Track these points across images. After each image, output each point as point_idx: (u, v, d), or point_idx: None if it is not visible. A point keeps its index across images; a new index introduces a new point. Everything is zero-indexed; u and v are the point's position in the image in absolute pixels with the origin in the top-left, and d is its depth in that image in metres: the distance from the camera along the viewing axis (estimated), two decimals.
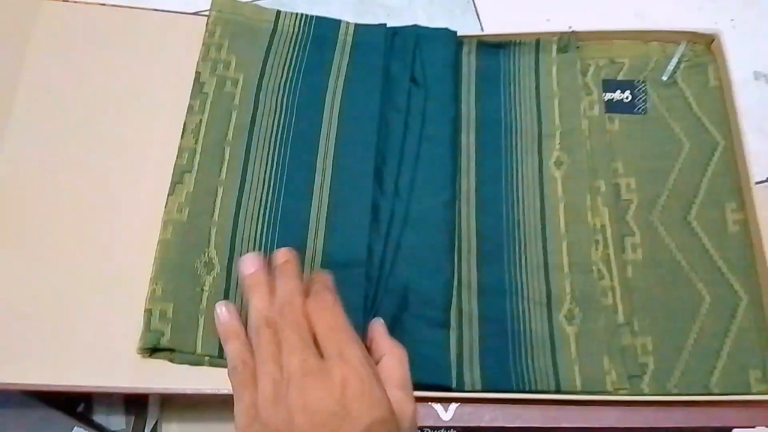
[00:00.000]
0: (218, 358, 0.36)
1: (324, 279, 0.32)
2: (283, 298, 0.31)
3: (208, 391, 0.36)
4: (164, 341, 0.36)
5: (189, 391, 0.35)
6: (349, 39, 0.44)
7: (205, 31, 0.44)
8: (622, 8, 0.60)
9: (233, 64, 0.43)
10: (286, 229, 0.39)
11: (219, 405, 0.48)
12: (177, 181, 0.39)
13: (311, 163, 0.40)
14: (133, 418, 0.44)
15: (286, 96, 0.42)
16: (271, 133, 0.41)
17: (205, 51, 0.43)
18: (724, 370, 0.37)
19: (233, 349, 0.31)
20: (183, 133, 0.41)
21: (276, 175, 0.40)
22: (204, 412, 0.48)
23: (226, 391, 0.35)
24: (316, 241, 0.39)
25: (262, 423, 0.28)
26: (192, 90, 0.42)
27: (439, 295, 0.38)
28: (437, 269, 0.38)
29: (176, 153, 0.40)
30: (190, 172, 0.40)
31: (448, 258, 0.39)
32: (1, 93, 0.41)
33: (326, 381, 0.28)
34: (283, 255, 0.33)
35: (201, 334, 0.36)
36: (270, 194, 0.39)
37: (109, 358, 0.36)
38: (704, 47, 0.45)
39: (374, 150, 0.40)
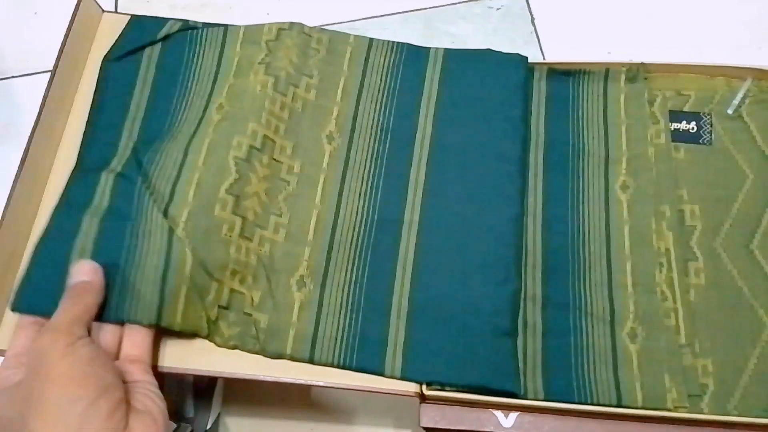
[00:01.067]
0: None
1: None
2: None
3: (286, 380, 0.38)
4: (256, 346, 0.38)
5: (271, 379, 0.37)
6: (438, 67, 0.47)
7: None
8: (682, 45, 0.62)
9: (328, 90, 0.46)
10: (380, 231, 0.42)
11: (278, 402, 0.50)
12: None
13: (402, 193, 0.43)
14: (200, 408, 0.46)
15: (379, 130, 0.45)
16: (365, 165, 0.44)
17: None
18: None
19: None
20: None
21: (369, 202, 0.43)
22: (263, 407, 0.50)
23: (302, 382, 0.37)
24: (405, 266, 0.41)
25: None
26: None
27: (508, 304, 0.39)
28: (506, 280, 0.40)
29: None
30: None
31: (516, 270, 0.40)
32: (64, 97, 0.44)
33: None
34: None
35: (290, 342, 0.38)
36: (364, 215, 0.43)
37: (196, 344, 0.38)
38: None
39: (463, 179, 0.43)
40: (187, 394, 0.46)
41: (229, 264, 0.38)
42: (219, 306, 0.38)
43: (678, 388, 0.37)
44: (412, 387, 0.38)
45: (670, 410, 0.37)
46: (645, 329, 0.39)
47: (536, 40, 0.64)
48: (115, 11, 0.65)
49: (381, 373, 0.38)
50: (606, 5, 0.65)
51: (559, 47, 0.63)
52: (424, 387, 0.38)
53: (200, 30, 0.47)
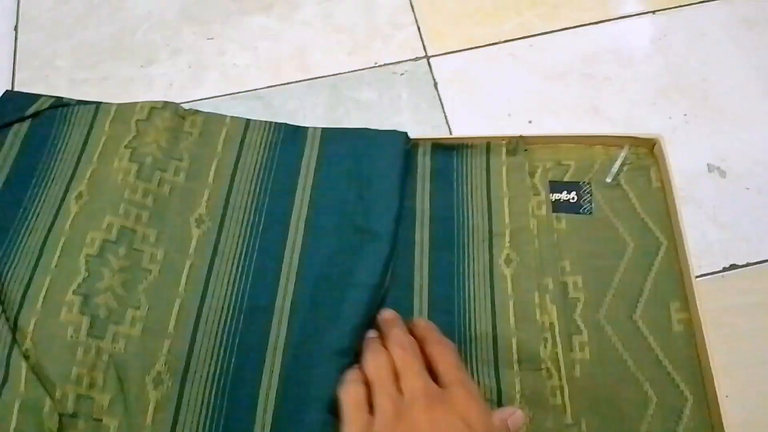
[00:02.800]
0: None
1: (433, 327, 0.39)
2: (401, 341, 0.37)
3: None
4: None
5: None
6: (315, 147, 0.47)
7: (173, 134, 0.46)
8: (579, 104, 0.63)
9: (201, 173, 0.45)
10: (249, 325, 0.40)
11: None
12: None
13: (275, 278, 0.42)
14: None
15: (253, 212, 0.44)
16: (235, 249, 0.43)
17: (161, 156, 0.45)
18: None
19: (352, 371, 0.36)
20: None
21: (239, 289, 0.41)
22: None
23: None
24: (275, 357, 0.39)
25: None
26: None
27: None
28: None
29: None
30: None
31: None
32: None
33: (449, 403, 0.33)
34: (390, 315, 0.39)
35: None
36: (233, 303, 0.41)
37: None
38: (647, 151, 0.47)
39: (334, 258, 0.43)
40: None
41: (74, 369, 0.36)
42: (63, 415, 0.35)
43: None
44: None
45: None
46: (531, 410, 0.38)
47: (439, 103, 0.65)
48: (11, 89, 0.63)
49: None
50: (503, 69, 0.66)
51: (461, 110, 0.64)
52: None
53: (72, 107, 0.46)
